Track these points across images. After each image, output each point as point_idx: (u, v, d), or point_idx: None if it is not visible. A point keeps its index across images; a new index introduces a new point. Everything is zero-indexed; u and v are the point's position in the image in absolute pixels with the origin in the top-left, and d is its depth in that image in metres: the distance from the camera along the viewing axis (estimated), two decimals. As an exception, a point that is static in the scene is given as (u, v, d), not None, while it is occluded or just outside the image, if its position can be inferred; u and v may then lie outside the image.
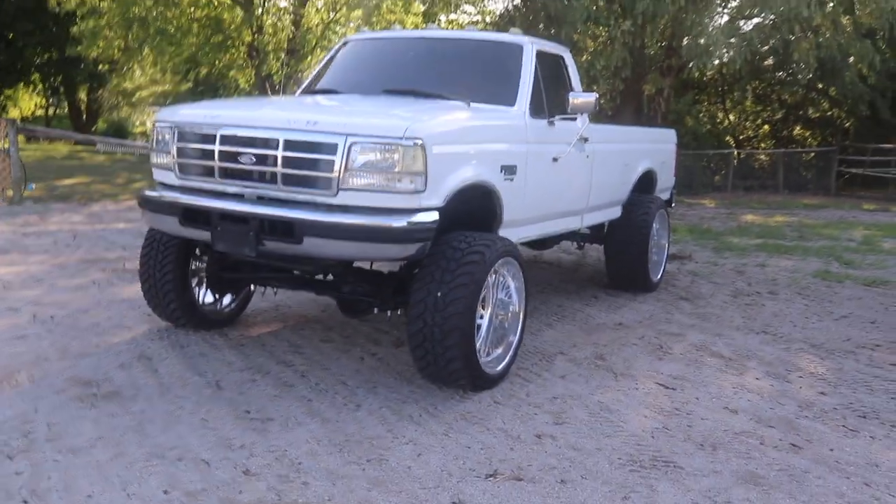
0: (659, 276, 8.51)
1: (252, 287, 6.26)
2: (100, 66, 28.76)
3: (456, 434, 4.44)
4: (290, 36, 22.97)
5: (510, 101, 5.90)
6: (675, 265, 9.84)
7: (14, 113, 40.13)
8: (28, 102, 44.08)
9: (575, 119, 6.43)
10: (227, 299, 6.32)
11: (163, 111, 5.49)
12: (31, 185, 14.94)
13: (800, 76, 24.31)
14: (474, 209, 5.35)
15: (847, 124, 26.90)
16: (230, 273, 5.98)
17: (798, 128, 28.94)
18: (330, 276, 5.71)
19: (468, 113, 5.46)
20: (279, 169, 4.74)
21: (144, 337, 5.99)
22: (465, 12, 23.53)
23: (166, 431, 4.33)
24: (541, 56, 6.33)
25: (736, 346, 6.47)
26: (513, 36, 6.46)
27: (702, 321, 7.25)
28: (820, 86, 25.20)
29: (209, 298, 6.19)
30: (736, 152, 25.21)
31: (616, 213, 7.90)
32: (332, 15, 24.01)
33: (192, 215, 5.04)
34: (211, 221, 4.93)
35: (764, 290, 8.77)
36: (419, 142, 4.58)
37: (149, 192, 5.40)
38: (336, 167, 4.60)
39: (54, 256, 8.90)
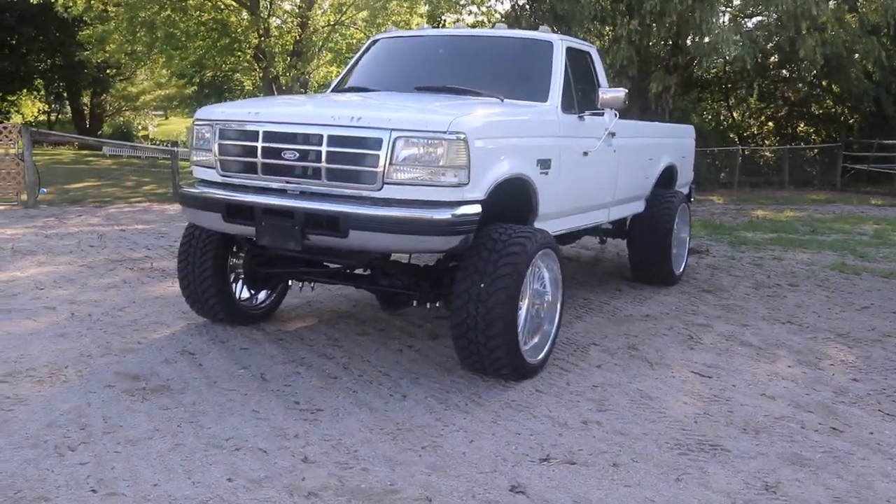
0: (681, 270, 8.60)
1: (289, 283, 6.33)
2: (107, 71, 28.82)
3: (504, 421, 4.52)
4: (297, 38, 23.04)
5: (542, 97, 5.98)
6: (694, 259, 9.92)
7: (16, 119, 40.21)
8: (31, 108, 44.14)
9: (603, 114, 6.52)
10: (262, 295, 6.41)
11: (202, 110, 5.57)
12: (43, 189, 15.03)
13: (804, 74, 24.47)
14: (511, 202, 5.43)
15: (851, 121, 27.00)
16: (267, 269, 6.06)
17: (802, 124, 29.04)
18: (368, 271, 5.80)
19: (504, 108, 5.56)
20: (323, 164, 4.82)
21: (184, 333, 6.07)
22: (470, 12, 23.67)
23: (220, 423, 4.41)
24: (570, 53, 6.42)
25: (764, 336, 6.55)
26: (543, 33, 6.54)
27: (727, 312, 7.34)
28: (824, 83, 25.32)
29: (245, 294, 6.28)
30: (741, 149, 25.26)
31: (640, 207, 8.00)
32: (338, 17, 24.06)
33: (236, 211, 5.12)
34: (255, 217, 5.01)
35: (784, 282, 8.86)
36: (462, 136, 4.67)
37: (190, 189, 5.50)
38: (381, 161, 4.68)
39: (81, 257, 8.99)
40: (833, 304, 7.82)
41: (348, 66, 7.03)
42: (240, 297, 6.22)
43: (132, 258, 9.05)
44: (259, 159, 5.06)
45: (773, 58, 24.06)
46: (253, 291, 6.31)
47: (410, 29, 15.55)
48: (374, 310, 6.87)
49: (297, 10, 23.53)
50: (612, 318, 7.01)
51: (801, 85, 26.40)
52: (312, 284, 6.26)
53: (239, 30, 22.97)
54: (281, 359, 5.52)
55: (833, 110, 27.88)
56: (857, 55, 20.38)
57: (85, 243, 9.95)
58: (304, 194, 4.95)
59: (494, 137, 5.05)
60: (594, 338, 6.33)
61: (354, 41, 23.93)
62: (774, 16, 17.46)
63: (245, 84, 28.76)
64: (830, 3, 17.80)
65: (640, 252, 8.20)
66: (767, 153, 27.04)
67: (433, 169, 4.69)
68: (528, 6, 20.51)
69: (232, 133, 5.22)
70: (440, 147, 4.65)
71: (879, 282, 9.02)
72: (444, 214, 4.68)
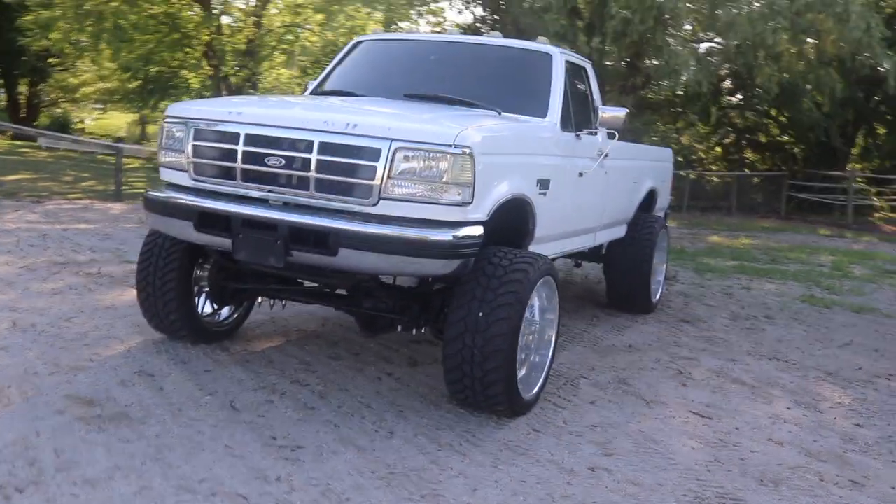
0: (657, 297, 8.31)
1: (259, 299, 5.81)
2: (48, 60, 27.64)
3: (505, 466, 4.12)
4: (250, 38, 22.38)
5: (541, 112, 5.62)
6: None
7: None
8: (-37, 95, 42.22)
9: (596, 134, 6.20)
10: (225, 311, 5.89)
11: (175, 106, 5.06)
12: (-26, 181, 14.17)
13: (756, 101, 24.63)
14: (508, 224, 5.03)
15: (795, 150, 27.34)
16: (236, 283, 5.56)
17: (749, 152, 29.34)
18: (347, 291, 5.34)
19: (505, 122, 5.18)
20: (312, 174, 4.36)
21: (140, 350, 5.52)
22: (428, 22, 23.30)
23: (190, 460, 3.91)
24: (568, 67, 6.09)
25: (754, 373, 6.28)
26: (541, 45, 6.19)
27: (710, 345, 7.06)
28: (773, 111, 25.56)
29: (208, 309, 5.76)
30: (690, 173, 25.32)
31: (622, 231, 7.68)
32: (293, 18, 23.47)
33: (210, 220, 4.62)
34: (233, 228, 4.52)
35: (759, 314, 8.64)
36: (468, 150, 4.27)
37: (156, 193, 4.96)
38: (378, 174, 4.25)
39: (21, 258, 8.30)
40: (814, 340, 7.61)
41: (328, 68, 6.56)
42: (203, 313, 5.69)
43: (77, 261, 8.40)
44: (239, 164, 4.56)
45: (725, 82, 24.17)
46: (216, 307, 5.79)
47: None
48: (344, 330, 6.42)
49: (252, 9, 22.84)
50: (595, 348, 6.66)
51: (749, 113, 26.64)
52: (284, 302, 5.74)
53: (190, 25, 22.20)
54: (250, 384, 5.02)
55: (779, 139, 28.20)
56: (808, 86, 20.53)
57: (24, 242, 9.24)
58: (287, 206, 4.48)
59: (499, 154, 4.66)
60: (581, 370, 5.97)
61: (309, 44, 23.36)
62: (735, 42, 17.45)
63: (191, 82, 27.83)
64: (783, 35, 17.84)
65: (619, 278, 7.88)
66: (715, 178, 27.21)
67: (435, 185, 4.27)
68: (488, 19, 20.22)
69: (209, 134, 4.72)
70: (444, 161, 4.24)
71: (853, 317, 8.86)
72: (445, 235, 4.27)
